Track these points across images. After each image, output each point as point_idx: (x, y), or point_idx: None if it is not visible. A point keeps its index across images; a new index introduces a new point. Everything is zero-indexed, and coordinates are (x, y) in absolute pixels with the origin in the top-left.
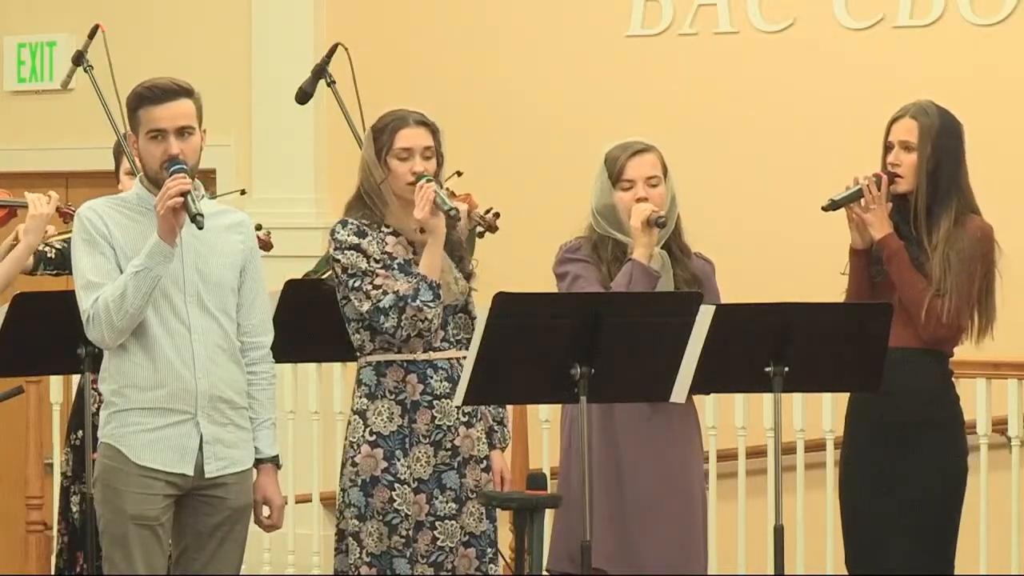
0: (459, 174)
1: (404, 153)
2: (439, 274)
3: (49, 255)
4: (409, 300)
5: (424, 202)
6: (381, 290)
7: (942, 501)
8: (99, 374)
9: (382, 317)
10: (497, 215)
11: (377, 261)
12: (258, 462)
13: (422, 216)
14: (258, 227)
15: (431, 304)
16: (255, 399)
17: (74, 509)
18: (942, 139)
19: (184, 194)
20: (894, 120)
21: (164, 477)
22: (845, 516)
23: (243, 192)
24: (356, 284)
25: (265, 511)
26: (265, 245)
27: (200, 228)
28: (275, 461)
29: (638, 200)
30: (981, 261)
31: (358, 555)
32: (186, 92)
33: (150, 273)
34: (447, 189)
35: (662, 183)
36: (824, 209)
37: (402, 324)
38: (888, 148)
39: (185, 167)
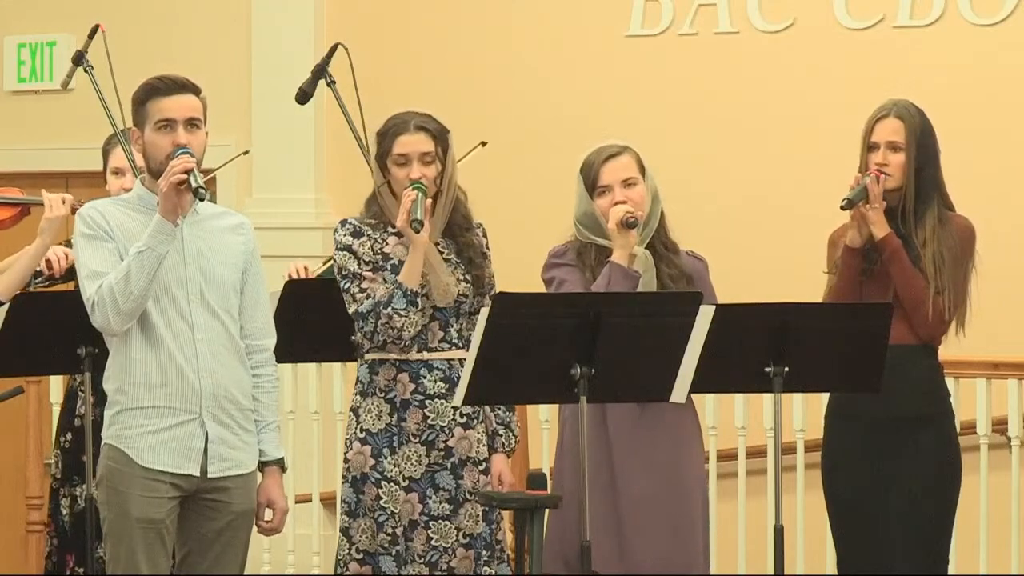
0: (484, 144)
1: (401, 159)
2: (417, 282)
3: (39, 267)
4: (382, 307)
5: (403, 210)
6: (365, 294)
7: (940, 494)
8: (103, 373)
9: (361, 321)
10: None
11: (367, 263)
12: (263, 464)
13: (400, 224)
14: None
15: (403, 312)
16: (259, 401)
17: (63, 511)
18: (925, 138)
19: (187, 172)
20: (877, 120)
21: (169, 479)
22: (836, 517)
23: (246, 152)
24: (346, 286)
25: (268, 514)
26: None
27: (202, 200)
28: (280, 463)
29: (616, 203)
30: (969, 257)
31: (347, 551)
32: (195, 89)
33: (153, 252)
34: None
35: (640, 182)
36: (843, 208)
37: (377, 329)
38: (871, 148)
39: (192, 153)
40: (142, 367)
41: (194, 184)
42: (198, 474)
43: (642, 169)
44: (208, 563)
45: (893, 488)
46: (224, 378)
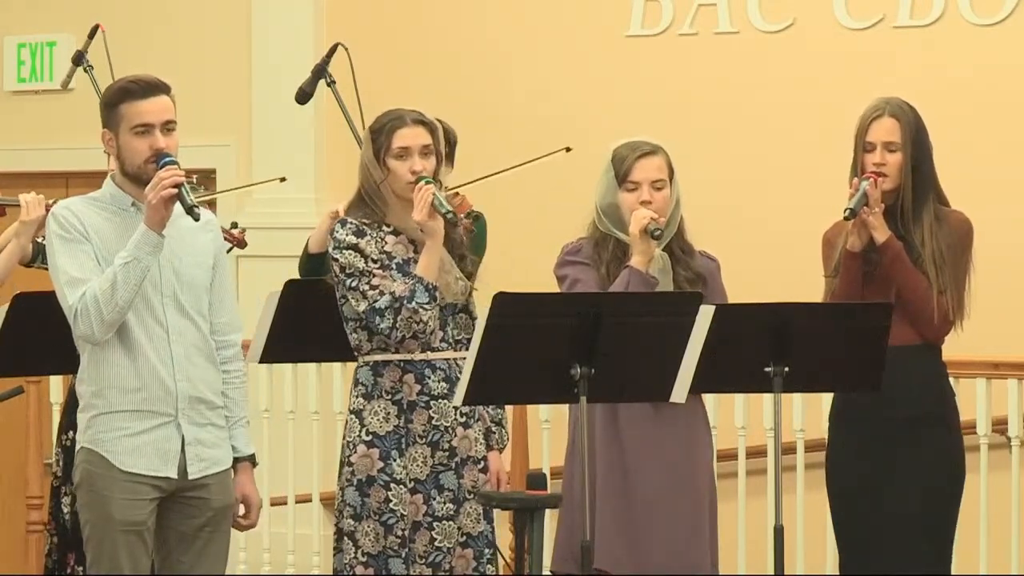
0: (568, 150)
1: (402, 152)
2: (436, 276)
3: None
4: (405, 302)
5: (422, 204)
6: (378, 290)
7: (945, 494)
8: (77, 376)
9: (378, 318)
10: (478, 216)
11: (375, 261)
12: (235, 461)
13: (420, 218)
14: (234, 225)
15: (427, 306)
16: (229, 398)
17: (64, 510)
18: (919, 135)
19: (178, 186)
20: (872, 120)
21: (149, 481)
22: (840, 518)
23: (283, 179)
24: (353, 284)
25: (241, 510)
26: (240, 243)
27: (196, 220)
28: (252, 459)
29: (642, 203)
30: (968, 253)
31: (353, 555)
32: (167, 88)
33: (139, 264)
34: (445, 190)
35: (667, 186)
36: (846, 219)
37: (397, 325)
38: (867, 148)
39: (176, 160)
40: (118, 371)
41: (188, 202)
42: (176, 476)
43: (671, 172)
44: (190, 560)
45: (898, 488)
46: (198, 380)
